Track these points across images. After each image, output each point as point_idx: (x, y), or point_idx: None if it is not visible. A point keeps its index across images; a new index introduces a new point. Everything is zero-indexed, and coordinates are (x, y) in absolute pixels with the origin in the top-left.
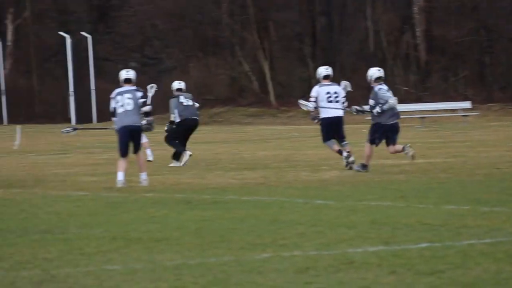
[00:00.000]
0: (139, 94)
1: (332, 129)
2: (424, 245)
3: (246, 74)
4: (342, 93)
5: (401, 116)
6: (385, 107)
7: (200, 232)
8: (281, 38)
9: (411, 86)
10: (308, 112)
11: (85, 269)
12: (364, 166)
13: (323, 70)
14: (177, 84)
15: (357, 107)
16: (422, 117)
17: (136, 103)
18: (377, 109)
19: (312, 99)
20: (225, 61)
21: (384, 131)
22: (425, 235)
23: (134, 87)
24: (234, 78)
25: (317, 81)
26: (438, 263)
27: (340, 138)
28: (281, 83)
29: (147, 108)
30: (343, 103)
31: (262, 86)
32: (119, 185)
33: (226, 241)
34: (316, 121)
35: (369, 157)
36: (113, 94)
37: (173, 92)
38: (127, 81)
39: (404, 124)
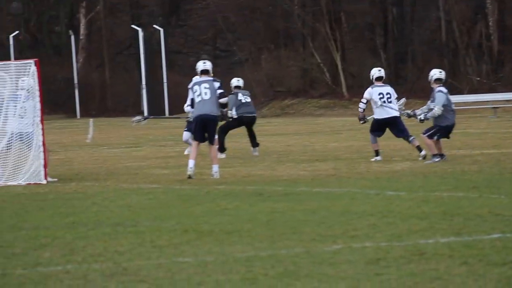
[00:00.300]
0: (217, 84)
1: (383, 128)
2: (496, 235)
3: (317, 66)
4: (395, 94)
5: (474, 107)
6: (428, 115)
7: (271, 224)
8: (353, 29)
9: (484, 76)
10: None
11: (156, 261)
12: (435, 156)
13: (376, 72)
14: (235, 82)
15: (409, 112)
16: (495, 107)
17: (213, 93)
18: (421, 117)
19: (364, 100)
20: (297, 53)
21: (446, 132)
22: (497, 225)
23: (211, 78)
24: (306, 70)
25: (371, 82)
26: (510, 254)
27: (404, 135)
28: (352, 74)
29: (224, 100)
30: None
31: (333, 77)
32: (188, 172)
33: (298, 232)
34: (362, 122)
35: (432, 145)
36: (190, 85)
37: (231, 89)
38: (204, 72)
39: (477, 115)
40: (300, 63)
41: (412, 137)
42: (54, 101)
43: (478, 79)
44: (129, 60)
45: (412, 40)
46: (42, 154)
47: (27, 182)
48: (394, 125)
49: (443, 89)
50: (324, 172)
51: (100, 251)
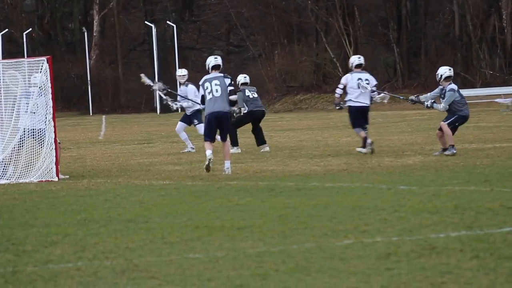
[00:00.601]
0: (228, 80)
1: (361, 116)
2: (507, 229)
3: (330, 61)
4: (373, 82)
5: (486, 100)
6: (434, 106)
7: (283, 219)
8: (366, 23)
9: (497, 69)
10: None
11: (167, 257)
12: (452, 146)
13: (356, 59)
14: (243, 79)
15: (413, 97)
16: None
17: (224, 90)
18: (428, 104)
19: (340, 86)
20: (310, 48)
21: (464, 121)
22: (508, 219)
23: (222, 74)
24: (319, 65)
25: (350, 70)
26: None
27: (364, 124)
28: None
29: (234, 97)
30: (373, 91)
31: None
32: (208, 157)
33: (309, 228)
34: (338, 107)
35: (451, 135)
36: (201, 81)
37: (238, 86)
38: (216, 67)
39: (490, 108)
40: (313, 58)
41: (366, 128)
42: (68, 98)
43: (491, 72)
44: (142, 56)
45: (426, 34)
46: (53, 151)
47: (39, 179)
48: (365, 114)
49: (454, 86)
50: (336, 167)
51: (111, 248)
